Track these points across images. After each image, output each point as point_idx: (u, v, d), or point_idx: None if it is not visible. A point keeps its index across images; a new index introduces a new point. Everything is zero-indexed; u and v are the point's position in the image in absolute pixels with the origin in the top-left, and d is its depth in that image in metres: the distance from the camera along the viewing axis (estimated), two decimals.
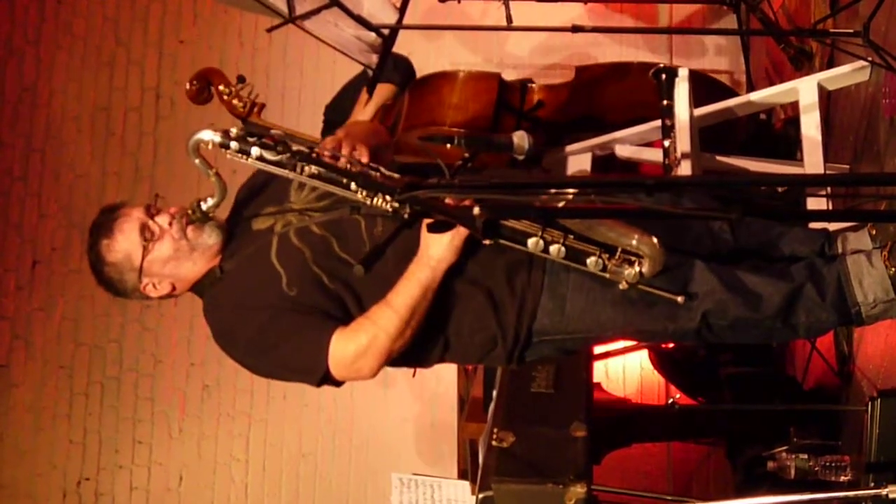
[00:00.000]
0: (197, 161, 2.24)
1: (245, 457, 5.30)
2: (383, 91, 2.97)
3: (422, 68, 3.83)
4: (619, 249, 2.29)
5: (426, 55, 4.94)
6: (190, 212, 2.35)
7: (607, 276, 2.31)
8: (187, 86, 3.77)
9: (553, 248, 2.29)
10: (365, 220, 2.43)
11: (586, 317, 2.41)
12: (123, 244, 2.46)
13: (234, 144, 2.22)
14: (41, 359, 5.36)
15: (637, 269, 2.29)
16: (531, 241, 2.29)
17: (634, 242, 2.26)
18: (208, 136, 2.21)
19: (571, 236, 2.29)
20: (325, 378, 2.41)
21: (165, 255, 2.47)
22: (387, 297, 2.36)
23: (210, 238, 2.49)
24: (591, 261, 2.30)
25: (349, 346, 2.37)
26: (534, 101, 3.83)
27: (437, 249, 2.34)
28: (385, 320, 2.35)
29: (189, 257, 2.48)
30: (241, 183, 2.61)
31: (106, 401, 5.34)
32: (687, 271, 2.38)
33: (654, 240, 2.27)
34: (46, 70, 5.56)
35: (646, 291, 2.32)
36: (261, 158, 2.23)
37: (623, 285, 2.31)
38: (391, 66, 3.00)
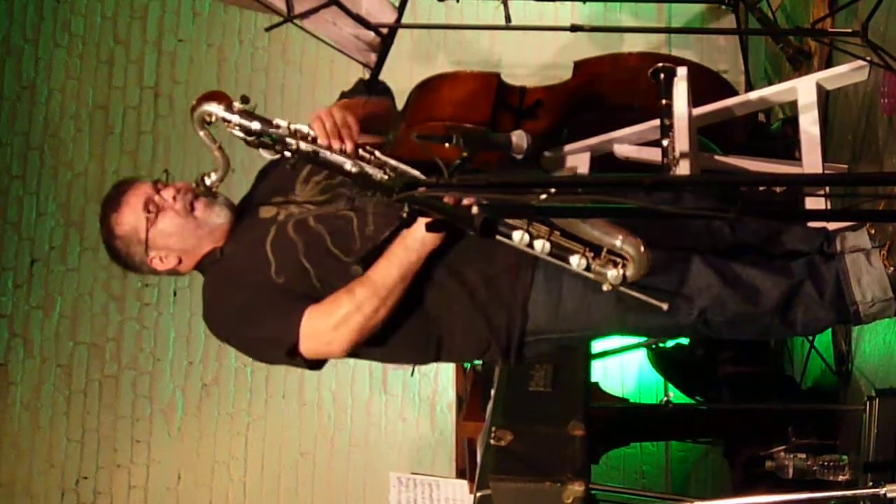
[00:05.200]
0: (201, 133, 2.31)
1: (244, 455, 5.29)
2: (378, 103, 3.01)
3: (422, 69, 3.83)
4: (605, 249, 2.24)
5: (423, 55, 4.94)
6: (195, 185, 2.40)
7: (591, 276, 2.26)
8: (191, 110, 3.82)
9: (538, 244, 2.26)
10: (357, 216, 2.45)
11: (581, 315, 2.41)
12: (129, 217, 2.51)
13: (235, 118, 2.30)
14: (39, 357, 5.35)
15: (621, 271, 2.23)
16: (516, 235, 2.27)
17: (618, 243, 2.22)
18: (213, 108, 2.29)
19: (558, 233, 2.26)
20: (294, 351, 2.40)
21: (169, 228, 2.51)
22: (366, 274, 2.36)
23: (219, 217, 2.54)
24: (574, 259, 2.26)
25: (322, 319, 2.37)
26: (532, 100, 3.82)
27: (421, 232, 2.32)
28: (361, 297, 2.35)
29: (194, 233, 2.52)
30: (244, 159, 2.65)
31: (104, 399, 5.33)
32: (684, 266, 2.38)
33: (640, 242, 2.22)
34: (45, 68, 5.56)
35: (631, 294, 2.27)
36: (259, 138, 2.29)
37: (606, 287, 2.25)
38: (383, 91, 3.05)
